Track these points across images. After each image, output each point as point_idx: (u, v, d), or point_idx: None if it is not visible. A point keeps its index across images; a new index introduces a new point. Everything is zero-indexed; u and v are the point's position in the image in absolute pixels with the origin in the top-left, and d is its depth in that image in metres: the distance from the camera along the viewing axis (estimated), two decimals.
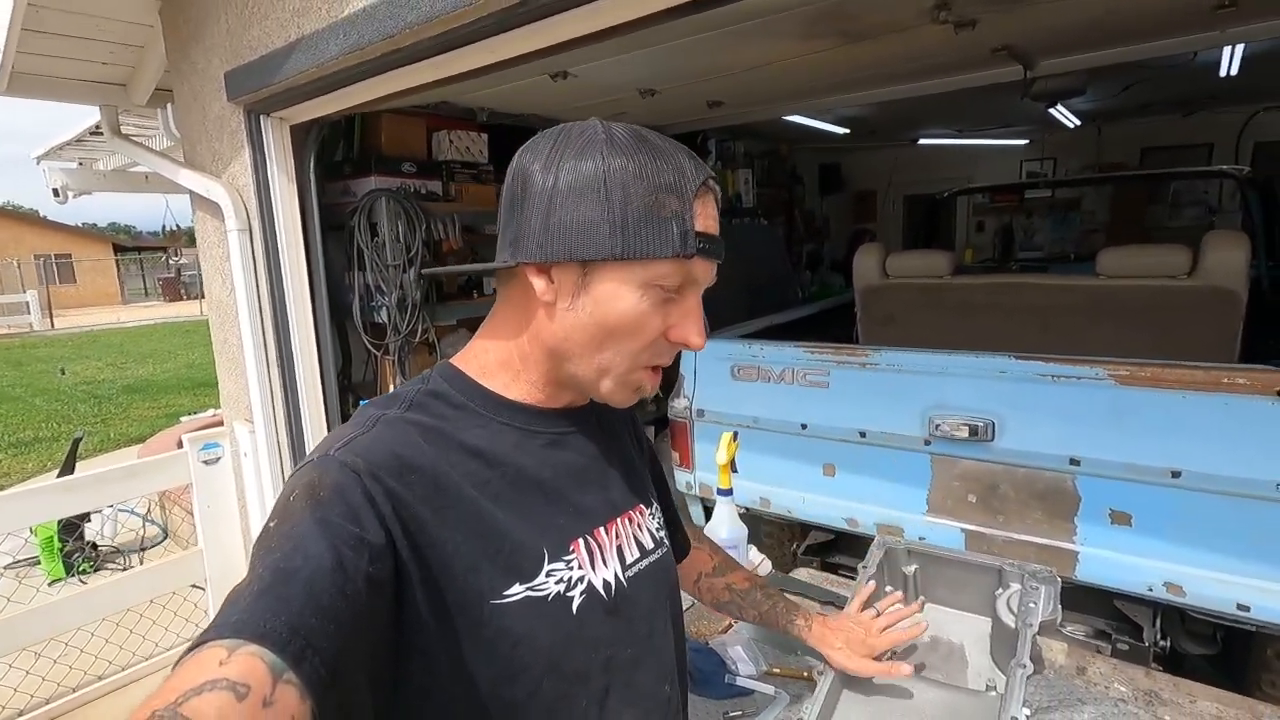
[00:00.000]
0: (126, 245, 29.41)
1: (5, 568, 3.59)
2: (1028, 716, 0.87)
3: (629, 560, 0.71)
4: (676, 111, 3.57)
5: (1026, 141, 6.22)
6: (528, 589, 0.61)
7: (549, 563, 0.63)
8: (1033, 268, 4.82)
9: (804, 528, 2.34)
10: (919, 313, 2.53)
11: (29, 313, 16.91)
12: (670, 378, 3.10)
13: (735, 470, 1.41)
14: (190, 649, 0.44)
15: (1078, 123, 5.05)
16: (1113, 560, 1.72)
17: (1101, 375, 1.70)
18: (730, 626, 1.29)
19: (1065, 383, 1.75)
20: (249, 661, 0.42)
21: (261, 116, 2.44)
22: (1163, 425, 1.63)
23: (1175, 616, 1.81)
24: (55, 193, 3.85)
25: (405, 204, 2.83)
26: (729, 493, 1.40)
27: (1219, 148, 5.55)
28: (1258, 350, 2.09)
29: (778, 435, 2.22)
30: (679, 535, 0.97)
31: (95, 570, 3.53)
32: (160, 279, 25.12)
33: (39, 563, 3.51)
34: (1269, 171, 4.27)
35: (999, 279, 2.51)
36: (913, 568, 1.25)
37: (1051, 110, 4.29)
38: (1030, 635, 0.99)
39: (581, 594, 0.64)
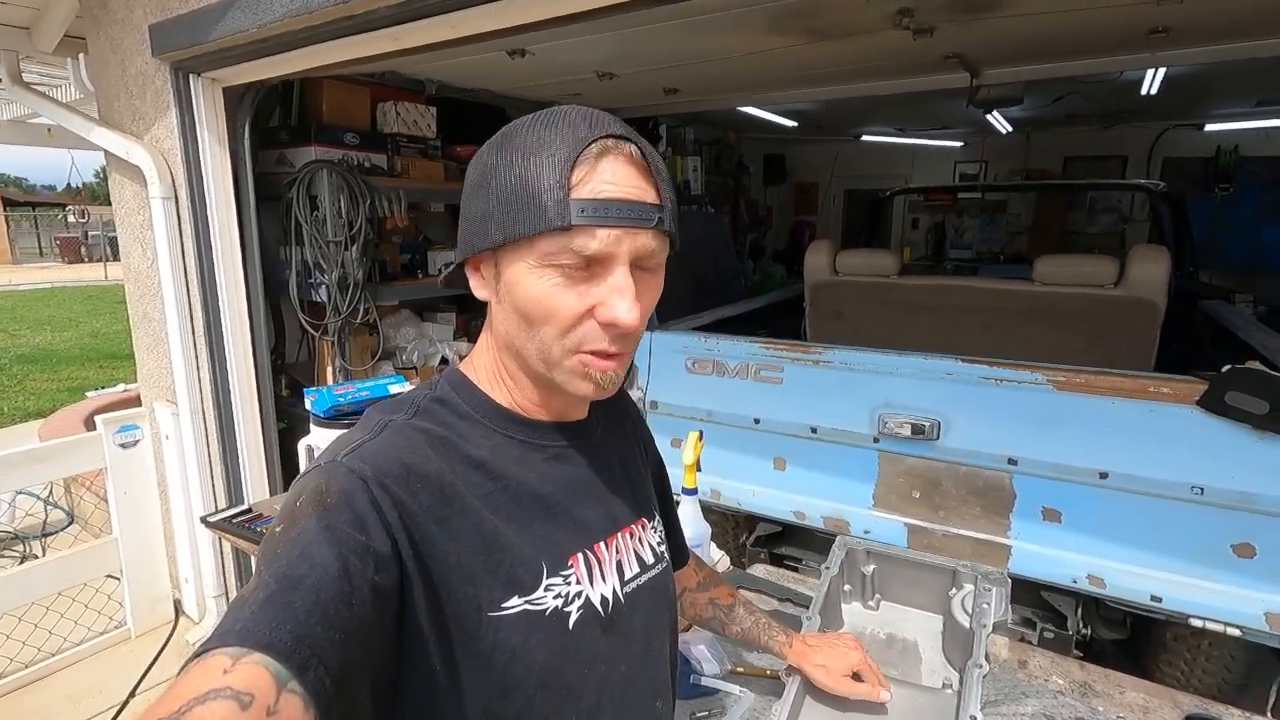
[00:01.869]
0: (18, 200, 26.88)
1: None
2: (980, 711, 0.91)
3: (628, 576, 0.71)
4: (632, 95, 3.52)
5: (962, 144, 6.47)
6: (526, 603, 0.61)
7: (548, 577, 0.63)
8: (965, 268, 5.04)
9: (753, 520, 2.38)
10: (867, 310, 2.60)
11: None
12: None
13: (700, 469, 1.42)
14: (194, 656, 0.44)
15: (1010, 129, 5.29)
16: (1043, 554, 1.83)
17: (1041, 380, 1.79)
18: (690, 626, 1.30)
19: (1007, 386, 1.84)
20: (253, 670, 0.41)
21: (191, 76, 2.26)
22: (1094, 429, 1.74)
23: (1093, 606, 1.94)
24: None
25: (348, 177, 2.68)
26: (694, 492, 1.41)
27: (1132, 160, 5.93)
28: (1166, 354, 2.26)
29: (730, 429, 2.24)
30: (677, 538, 0.96)
31: None
32: (58, 239, 23.11)
33: None
34: (1176, 183, 4.60)
35: (943, 281, 2.61)
36: (871, 567, 1.29)
37: (989, 116, 4.47)
38: (985, 636, 1.04)
39: (579, 610, 0.64)
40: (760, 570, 1.58)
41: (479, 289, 0.65)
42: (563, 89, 3.20)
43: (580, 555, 0.66)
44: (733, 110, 4.25)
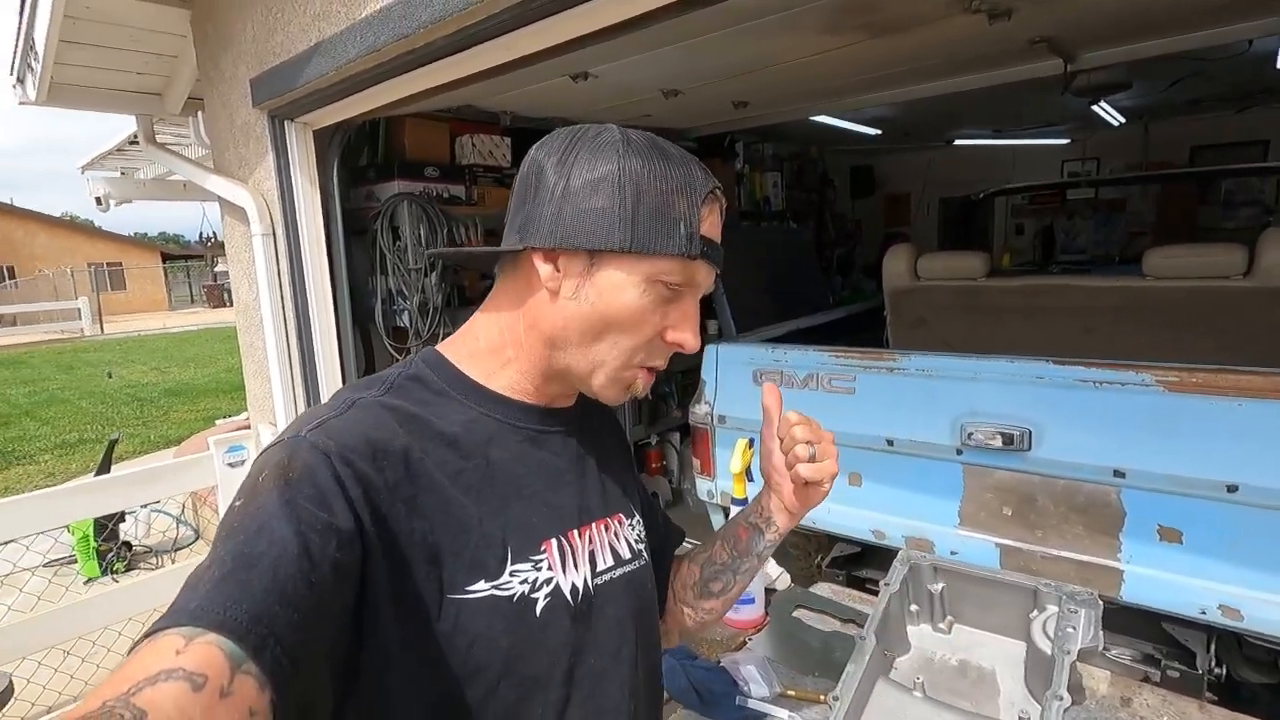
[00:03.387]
0: (174, 253, 30.41)
1: (45, 565, 3.68)
2: None
3: (600, 567, 0.69)
4: (701, 113, 3.52)
5: (1068, 141, 6.01)
6: (492, 587, 0.59)
7: (515, 561, 0.61)
8: (1075, 270, 4.64)
9: (829, 539, 2.25)
10: (951, 316, 2.43)
11: (80, 319, 17.57)
12: (690, 383, 3.03)
13: (751, 479, 1.35)
14: (145, 635, 0.42)
15: (1122, 120, 4.86)
16: (1162, 580, 1.61)
17: (1149, 381, 1.59)
18: (743, 644, 1.23)
19: (1108, 389, 1.64)
20: (206, 650, 0.40)
21: (285, 121, 2.46)
22: (1217, 435, 1.52)
23: (1232, 641, 1.68)
24: (98, 201, 3.96)
25: (427, 207, 2.82)
26: (744, 502, 1.34)
27: (1275, 144, 5.28)
28: None
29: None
30: (662, 532, 0.90)
31: (128, 569, 3.60)
32: (204, 285, 25.91)
33: (75, 561, 3.60)
34: None
35: (1037, 280, 2.39)
36: (939, 586, 1.17)
37: (1094, 107, 4.12)
38: (1068, 664, 0.91)
39: (547, 596, 0.62)
40: (825, 589, 1.47)
41: (550, 279, 0.62)
42: (631, 110, 3.24)
43: (554, 540, 0.65)
44: (810, 122, 4.16)
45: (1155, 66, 3.07)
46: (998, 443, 1.78)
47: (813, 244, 5.57)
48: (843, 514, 2.10)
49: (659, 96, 2.97)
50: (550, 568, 0.63)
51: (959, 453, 1.85)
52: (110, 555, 3.54)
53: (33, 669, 2.48)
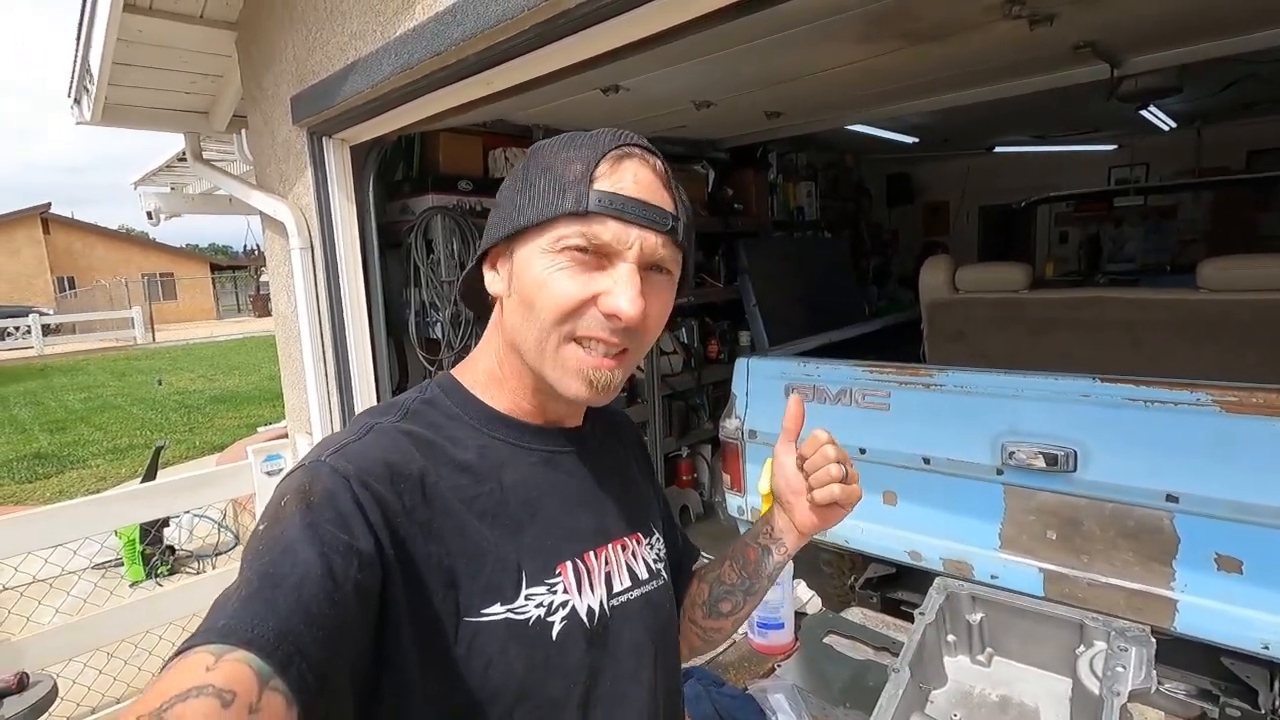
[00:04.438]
0: (223, 264, 31.48)
1: (94, 567, 3.80)
2: None
3: (616, 589, 0.68)
4: (734, 124, 3.49)
5: (1115, 147, 5.82)
6: (508, 610, 0.59)
7: (531, 585, 0.61)
8: (1123, 281, 4.47)
9: (863, 559, 2.19)
10: (991, 330, 2.35)
11: (134, 328, 18.25)
12: (722, 395, 3.00)
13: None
14: (176, 653, 0.44)
15: (1173, 125, 4.68)
16: (1220, 612, 1.52)
17: (1205, 401, 1.51)
18: (771, 671, 1.19)
19: (1160, 409, 1.57)
20: (235, 668, 0.41)
21: (323, 138, 2.51)
22: None
23: None
24: (149, 215, 4.11)
25: (460, 220, 2.86)
26: None
27: None
28: None
29: None
30: (681, 548, 0.89)
31: (171, 573, 3.69)
32: (250, 295, 26.75)
33: (121, 564, 3.71)
34: None
35: (1083, 293, 2.30)
36: (978, 616, 1.12)
37: (1143, 112, 3.98)
38: (1118, 706, 0.85)
39: (563, 620, 0.62)
40: (857, 614, 1.42)
41: (493, 284, 0.65)
42: (664, 122, 3.24)
43: (569, 564, 0.64)
44: (846, 131, 4.10)
45: (1207, 70, 2.95)
46: (1040, 463, 1.71)
47: (848, 254, 5.49)
48: (877, 534, 2.04)
49: (690, 108, 2.96)
50: (566, 590, 0.63)
51: (999, 473, 1.79)
52: (154, 559, 3.64)
53: (78, 670, 2.55)
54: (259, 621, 0.44)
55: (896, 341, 3.00)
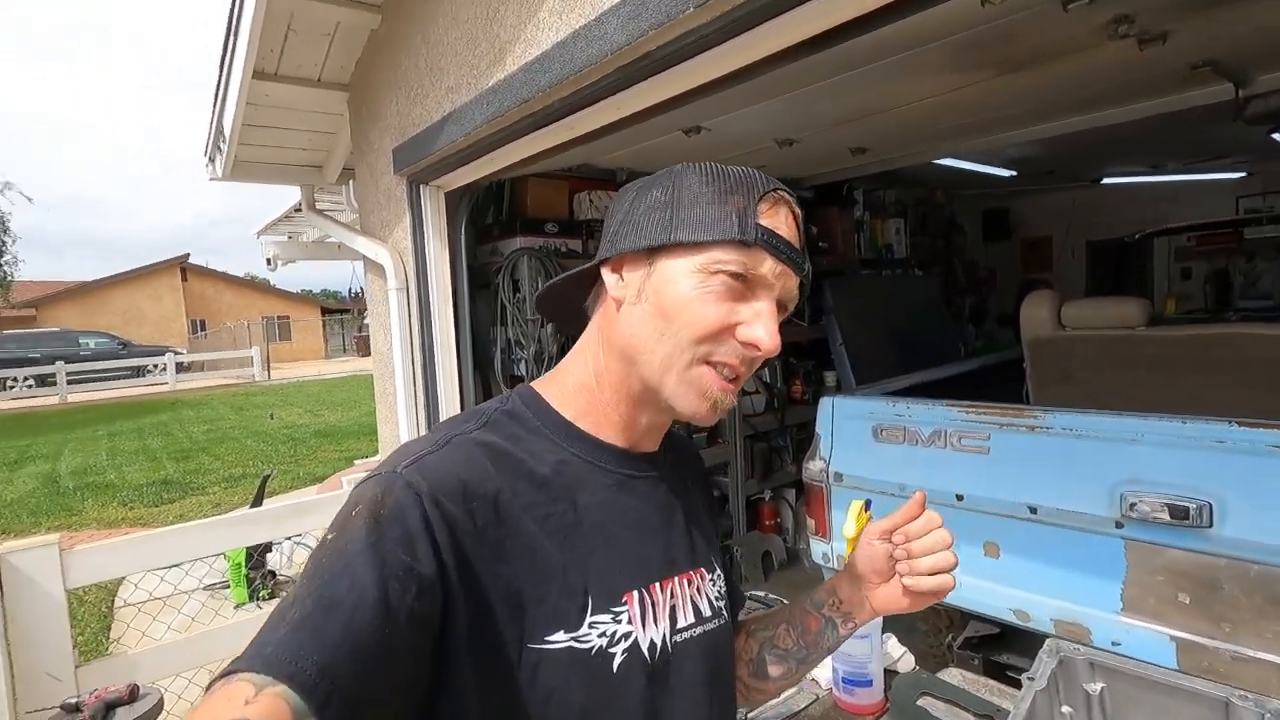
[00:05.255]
0: (331, 308, 33.87)
1: (204, 588, 4.06)
2: None
3: (680, 625, 0.65)
4: (817, 161, 3.46)
5: (1243, 174, 5.35)
6: (571, 639, 0.57)
7: (595, 612, 0.59)
8: (1257, 319, 4.04)
9: (962, 616, 2.02)
10: (1103, 370, 2.17)
11: (253, 366, 19.84)
12: (806, 436, 2.89)
13: None
14: (222, 674, 0.46)
15: None
16: None
17: None
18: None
19: None
20: (273, 703, 0.43)
21: (420, 185, 2.67)
22: None
23: None
24: (268, 262, 4.48)
25: (545, 261, 2.94)
26: None
27: None
28: None
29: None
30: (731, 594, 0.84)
31: (271, 597, 3.88)
32: (354, 336, 28.59)
33: (228, 586, 3.94)
34: None
35: (1211, 329, 2.09)
36: (1098, 686, 0.99)
37: (1276, 135, 3.65)
38: None
39: (624, 652, 0.59)
40: (955, 675, 1.30)
41: (616, 288, 0.65)
42: (745, 161, 3.21)
43: (636, 593, 0.62)
44: (933, 165, 3.97)
45: None
46: (1166, 516, 1.53)
47: (940, 293, 5.26)
48: (978, 588, 1.88)
49: (773, 146, 2.95)
50: (630, 621, 0.61)
51: (1119, 525, 1.61)
52: (256, 582, 3.85)
53: (183, 686, 2.69)
54: (304, 655, 0.45)
55: (995, 382, 2.81)
